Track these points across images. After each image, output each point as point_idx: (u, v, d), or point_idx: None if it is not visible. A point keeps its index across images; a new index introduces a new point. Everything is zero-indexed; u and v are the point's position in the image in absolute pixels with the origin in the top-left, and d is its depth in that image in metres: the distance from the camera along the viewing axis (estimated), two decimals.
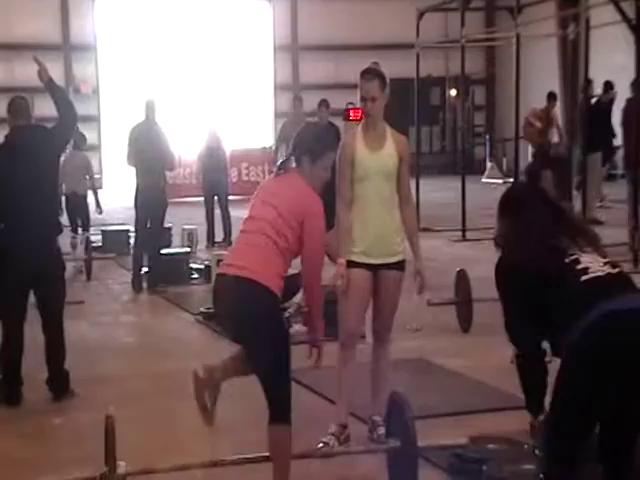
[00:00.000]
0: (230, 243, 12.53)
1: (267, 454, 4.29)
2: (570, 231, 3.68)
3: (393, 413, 4.50)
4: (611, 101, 14.59)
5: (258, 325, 4.08)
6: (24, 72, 22.34)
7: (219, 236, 12.94)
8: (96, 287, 10.41)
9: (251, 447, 4.55)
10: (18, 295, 6.10)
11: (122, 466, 4.00)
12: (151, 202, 10.03)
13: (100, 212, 12.63)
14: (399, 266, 5.14)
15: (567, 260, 3.52)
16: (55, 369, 6.19)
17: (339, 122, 12.26)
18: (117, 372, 6.84)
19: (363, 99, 5.06)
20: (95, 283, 10.55)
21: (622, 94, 14.78)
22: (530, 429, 4.97)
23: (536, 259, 3.58)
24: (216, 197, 13.05)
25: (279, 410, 4.12)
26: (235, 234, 12.32)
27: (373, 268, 5.08)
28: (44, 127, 6.39)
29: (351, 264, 5.04)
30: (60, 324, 6.24)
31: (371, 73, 5.06)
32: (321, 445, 4.90)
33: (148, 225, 10.17)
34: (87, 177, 12.46)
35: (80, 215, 12.40)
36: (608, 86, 14.61)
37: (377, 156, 5.08)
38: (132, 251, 10.54)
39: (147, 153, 9.90)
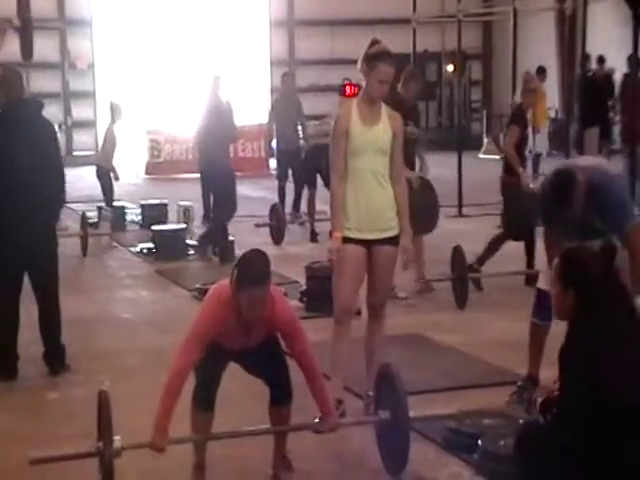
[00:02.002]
0: None
1: (262, 427, 4.43)
2: None
3: (383, 385, 4.51)
4: (606, 75, 14.55)
5: None
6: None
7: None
8: (92, 263, 10.41)
9: (247, 421, 4.58)
10: (14, 270, 6.09)
11: (117, 440, 4.01)
12: (217, 175, 10.25)
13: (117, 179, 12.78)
14: (393, 241, 5.14)
15: None
16: (51, 344, 6.19)
17: (335, 97, 12.19)
18: (113, 347, 6.85)
19: (382, 82, 5.04)
20: (91, 259, 10.55)
21: (620, 69, 14.76)
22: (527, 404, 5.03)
23: (625, 394, 3.28)
24: None
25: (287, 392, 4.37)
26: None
27: (367, 243, 5.08)
28: (40, 101, 6.35)
29: (344, 240, 5.04)
30: (56, 298, 6.23)
31: (390, 58, 5.05)
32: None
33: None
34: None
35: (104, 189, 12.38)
36: (601, 60, 14.58)
37: (371, 131, 5.07)
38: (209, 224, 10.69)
39: (215, 128, 10.19)
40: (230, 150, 10.87)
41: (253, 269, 4.02)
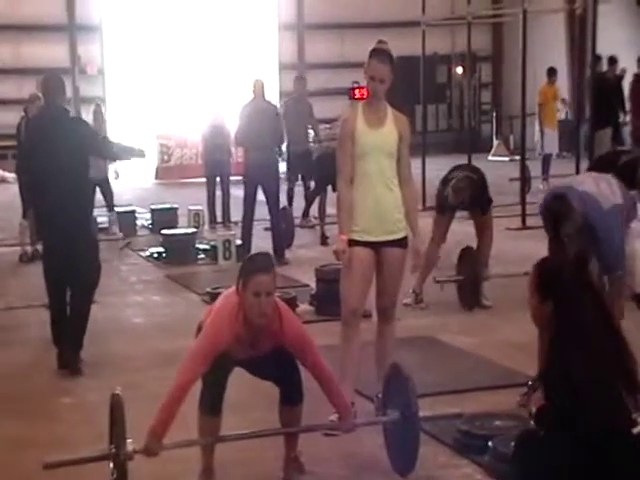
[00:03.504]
0: (229, 224, 12.57)
1: (273, 428, 4.45)
2: (627, 374, 3.43)
3: (393, 385, 4.52)
4: (616, 77, 14.51)
5: None
6: (30, 53, 22.42)
7: (219, 218, 13.00)
8: (103, 268, 10.40)
9: (256, 425, 4.59)
10: (55, 272, 6.30)
11: (130, 443, 4.03)
12: (264, 178, 10.01)
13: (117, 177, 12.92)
14: (401, 243, 5.16)
15: (635, 431, 3.35)
16: (68, 348, 6.22)
17: (344, 100, 12.22)
18: (125, 352, 6.87)
19: (372, 78, 5.06)
20: (102, 264, 10.53)
21: (630, 69, 14.73)
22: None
23: (602, 414, 3.35)
24: (218, 178, 13.04)
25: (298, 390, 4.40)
26: (235, 215, 12.29)
27: (375, 246, 5.10)
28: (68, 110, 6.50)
29: (353, 242, 5.06)
30: (83, 304, 6.36)
31: (384, 55, 5.07)
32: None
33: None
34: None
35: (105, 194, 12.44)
36: (612, 61, 14.55)
37: (377, 133, 5.10)
38: (241, 224, 10.53)
39: (259, 130, 9.93)
40: (276, 152, 10.61)
41: (257, 259, 4.24)
